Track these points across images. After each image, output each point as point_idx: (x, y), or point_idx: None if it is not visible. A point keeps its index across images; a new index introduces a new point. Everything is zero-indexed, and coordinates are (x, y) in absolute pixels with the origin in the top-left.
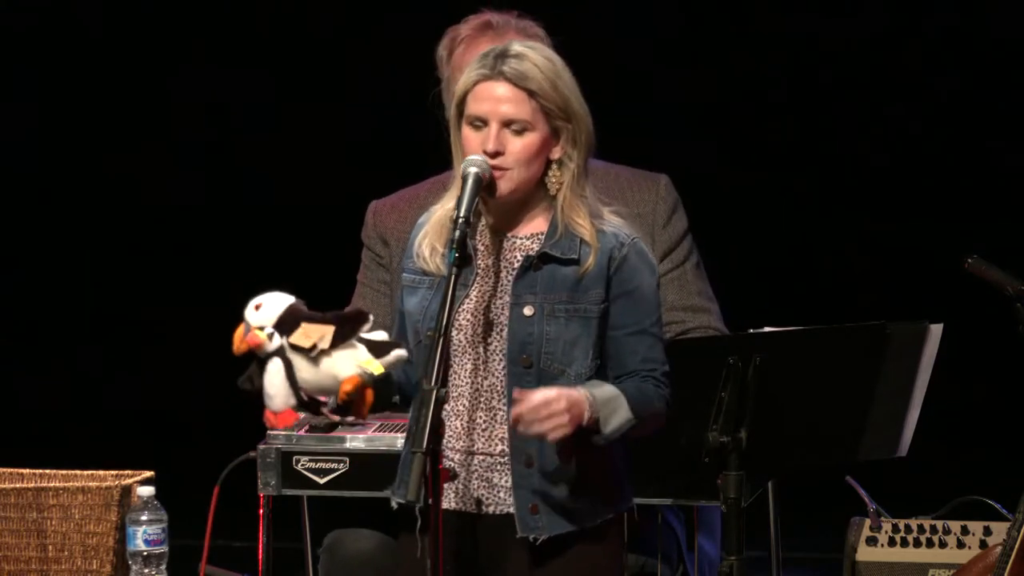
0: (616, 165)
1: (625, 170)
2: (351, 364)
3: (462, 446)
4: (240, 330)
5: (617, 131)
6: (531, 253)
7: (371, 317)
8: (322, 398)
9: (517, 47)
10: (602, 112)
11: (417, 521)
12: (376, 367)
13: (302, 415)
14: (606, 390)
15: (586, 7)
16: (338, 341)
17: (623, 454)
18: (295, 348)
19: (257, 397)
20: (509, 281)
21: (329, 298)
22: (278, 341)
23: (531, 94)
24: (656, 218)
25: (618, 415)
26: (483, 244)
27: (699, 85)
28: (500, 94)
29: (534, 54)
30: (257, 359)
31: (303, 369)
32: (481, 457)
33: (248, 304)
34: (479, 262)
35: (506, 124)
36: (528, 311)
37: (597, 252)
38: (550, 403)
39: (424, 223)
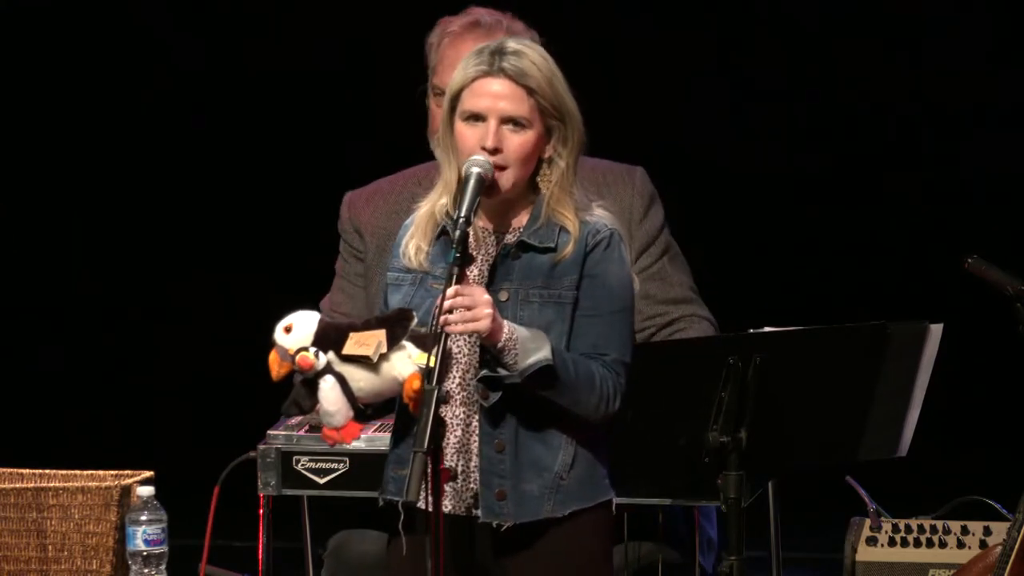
0: (591, 158)
1: (601, 163)
2: (408, 363)
3: (448, 444)
4: (275, 356)
5: (617, 128)
6: (509, 243)
7: (415, 314)
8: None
9: (513, 44)
10: (603, 109)
11: (400, 517)
12: (432, 360)
13: (363, 424)
14: (532, 330)
15: (586, 6)
16: (392, 344)
17: (601, 446)
18: (350, 359)
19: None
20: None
21: (308, 285)
22: (323, 358)
23: (530, 92)
24: (633, 213)
25: (536, 354)
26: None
27: (700, 84)
28: (499, 91)
29: (531, 52)
30: (303, 380)
31: (359, 379)
32: (468, 456)
33: (276, 328)
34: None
35: (504, 121)
36: (503, 296)
37: (576, 240)
38: (476, 294)
39: (410, 224)
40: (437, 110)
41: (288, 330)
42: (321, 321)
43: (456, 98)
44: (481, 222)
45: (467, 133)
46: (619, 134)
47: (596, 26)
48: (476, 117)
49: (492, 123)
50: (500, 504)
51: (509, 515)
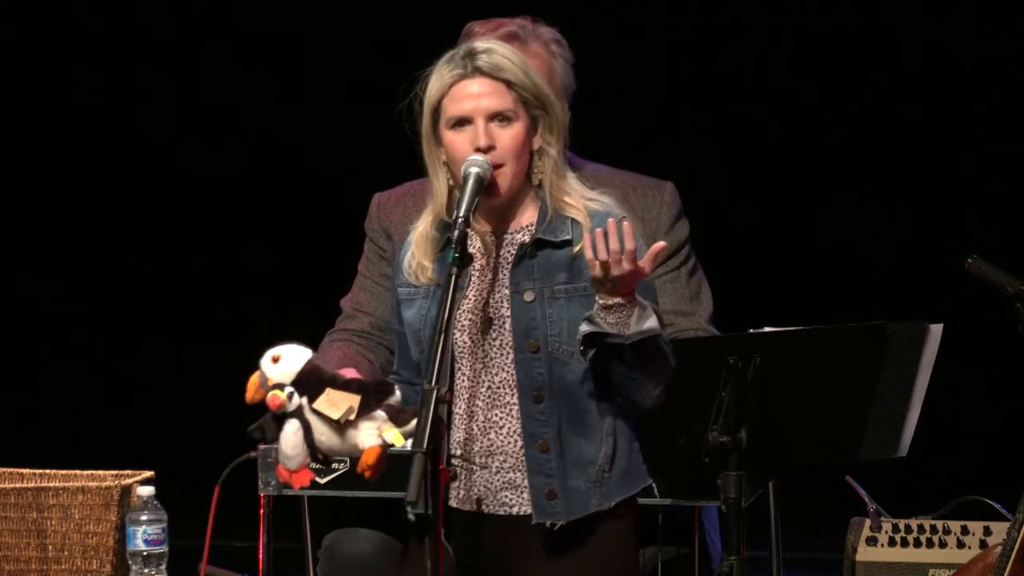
0: (621, 171)
1: (630, 176)
2: (373, 434)
3: (480, 448)
4: (255, 379)
5: (618, 130)
6: (524, 242)
7: (396, 390)
8: None
9: (482, 44)
10: (603, 112)
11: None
12: (397, 437)
13: (315, 473)
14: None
15: (587, 7)
16: (363, 412)
17: (635, 436)
18: (318, 414)
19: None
20: (506, 275)
21: (327, 287)
22: (297, 401)
23: (509, 85)
24: (659, 224)
25: (648, 321)
26: (475, 246)
27: (700, 85)
28: (480, 90)
29: (500, 47)
30: (273, 414)
31: (323, 434)
32: (502, 457)
33: (266, 353)
34: (474, 263)
35: (491, 118)
36: (528, 296)
37: (590, 230)
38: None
39: (411, 243)
40: None
41: (275, 360)
42: (308, 362)
43: (436, 109)
44: (481, 225)
45: (456, 139)
46: (618, 135)
47: (592, 29)
48: (462, 122)
49: (480, 122)
50: (551, 503)
51: (561, 513)
